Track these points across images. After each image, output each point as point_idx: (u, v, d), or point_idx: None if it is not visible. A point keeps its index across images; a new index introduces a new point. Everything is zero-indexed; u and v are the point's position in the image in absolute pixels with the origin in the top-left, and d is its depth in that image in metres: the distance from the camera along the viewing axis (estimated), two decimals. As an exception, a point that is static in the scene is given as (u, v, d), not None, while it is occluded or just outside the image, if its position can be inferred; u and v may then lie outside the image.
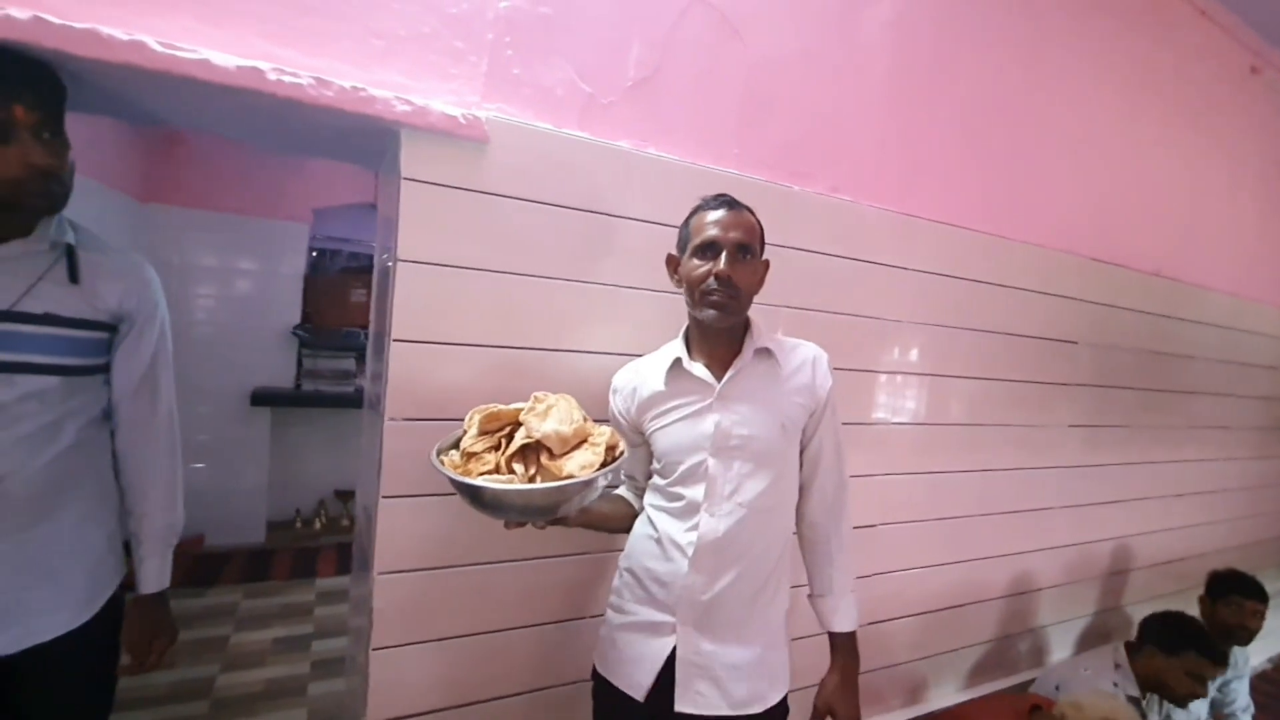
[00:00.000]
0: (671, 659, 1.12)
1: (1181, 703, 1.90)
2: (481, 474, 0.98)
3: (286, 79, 1.06)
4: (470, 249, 1.26)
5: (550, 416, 1.04)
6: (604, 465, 1.01)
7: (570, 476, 0.97)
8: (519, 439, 1.02)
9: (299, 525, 3.77)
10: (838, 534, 1.23)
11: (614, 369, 1.41)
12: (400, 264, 1.20)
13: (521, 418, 1.04)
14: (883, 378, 1.87)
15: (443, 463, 1.01)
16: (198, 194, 3.34)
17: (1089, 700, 1.57)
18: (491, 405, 1.08)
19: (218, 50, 1.04)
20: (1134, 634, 2.02)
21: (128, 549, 1.17)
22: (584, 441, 1.05)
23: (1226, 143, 2.81)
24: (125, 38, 0.98)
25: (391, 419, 1.22)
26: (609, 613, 1.24)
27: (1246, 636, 2.19)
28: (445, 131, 1.18)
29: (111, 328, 1.10)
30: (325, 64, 1.13)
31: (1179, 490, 2.85)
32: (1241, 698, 2.21)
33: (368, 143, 1.31)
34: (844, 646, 1.21)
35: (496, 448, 1.04)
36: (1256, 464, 3.27)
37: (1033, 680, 2.28)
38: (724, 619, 1.12)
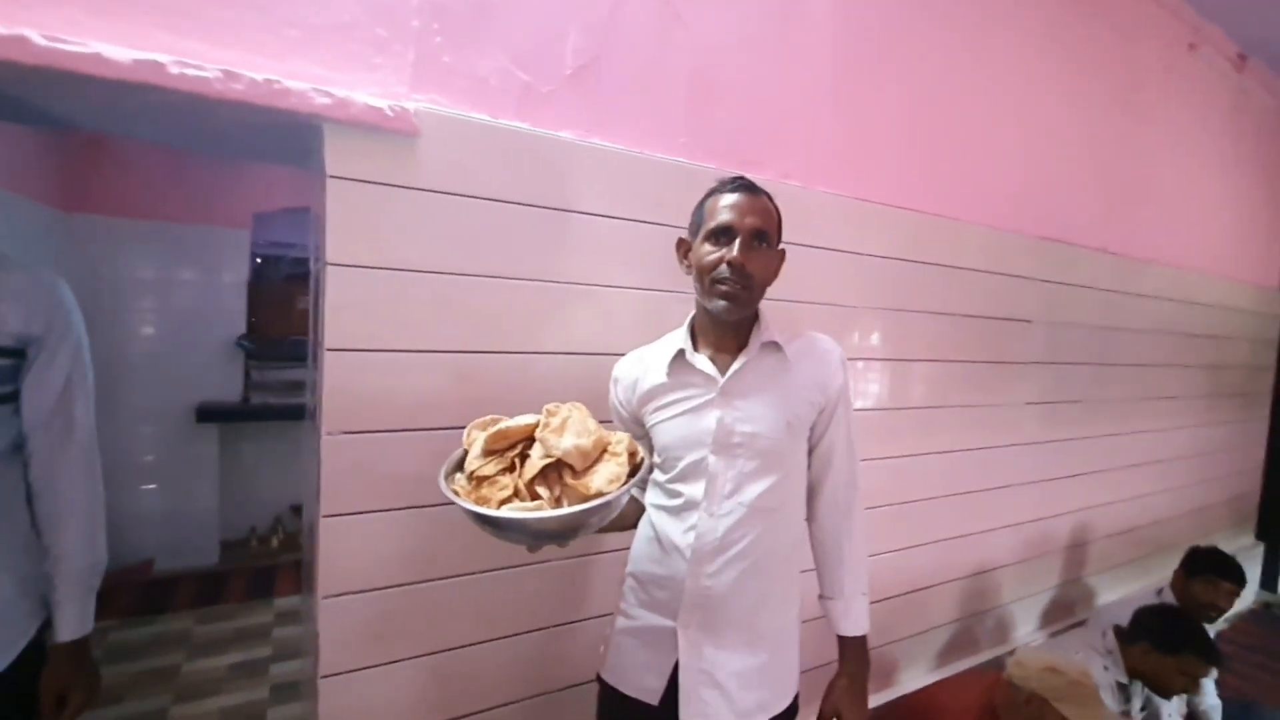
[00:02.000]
0: (676, 664, 1.08)
1: (1169, 697, 1.91)
2: (502, 500, 0.90)
3: (190, 72, 0.98)
4: (406, 249, 1.19)
5: (567, 430, 0.96)
6: (630, 474, 0.95)
7: (599, 494, 0.90)
8: (536, 459, 0.93)
9: (254, 544, 3.63)
10: (849, 535, 1.17)
11: (569, 368, 1.37)
12: (330, 268, 1.12)
13: (539, 435, 0.95)
14: (842, 365, 1.85)
15: (456, 493, 0.92)
16: (128, 202, 3.17)
17: (1030, 656, 1.61)
18: (495, 419, 1.00)
19: (112, 43, 0.95)
20: (1094, 611, 2.04)
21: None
22: (604, 452, 0.98)
23: (1166, 118, 2.87)
24: (4, 32, 0.89)
25: (329, 433, 1.15)
26: (616, 617, 1.19)
27: (1215, 616, 2.21)
28: (371, 125, 1.11)
29: (17, 352, 1.01)
30: (235, 56, 1.05)
31: (1133, 461, 2.93)
32: (1210, 696, 2.25)
33: (292, 140, 1.23)
34: (853, 650, 1.17)
35: (510, 468, 0.95)
36: (1204, 430, 3.38)
37: (1001, 655, 2.31)
38: (728, 624, 1.07)
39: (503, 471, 0.95)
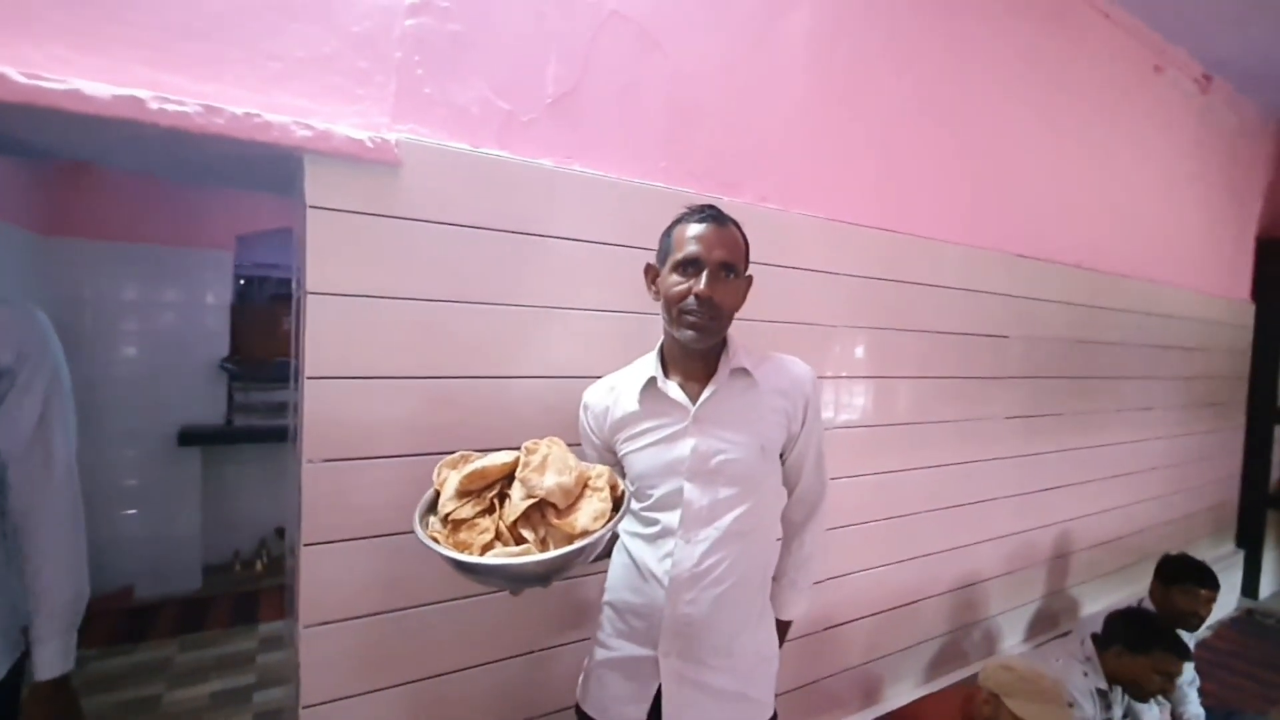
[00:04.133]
0: (658, 691, 1.09)
1: (1147, 699, 1.93)
2: (485, 546, 0.88)
3: (170, 108, 0.99)
4: (387, 277, 1.20)
5: (549, 468, 0.94)
6: (614, 508, 0.95)
7: (586, 532, 0.89)
8: (519, 500, 0.91)
9: (238, 568, 3.58)
10: (809, 532, 1.25)
11: (548, 393, 1.37)
12: (310, 296, 1.13)
13: (520, 475, 0.93)
14: (823, 384, 1.88)
15: (436, 540, 0.88)
16: (108, 225, 3.15)
17: (1017, 661, 1.66)
18: (467, 456, 0.98)
19: (91, 79, 0.96)
20: (1078, 622, 2.06)
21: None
22: (585, 487, 0.96)
23: (1135, 137, 2.95)
24: (-17, 68, 0.90)
25: (309, 460, 1.15)
26: (594, 647, 1.19)
27: (1197, 623, 2.22)
28: (352, 156, 1.12)
29: None
30: (216, 89, 1.06)
31: (1113, 472, 2.97)
32: (1193, 705, 2.27)
33: (273, 170, 1.24)
34: (778, 631, 1.24)
35: (489, 509, 0.93)
36: (1180, 441, 3.43)
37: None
38: (707, 648, 1.08)
39: (481, 514, 0.92)
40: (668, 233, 1.11)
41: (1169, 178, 3.20)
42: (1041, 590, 2.69)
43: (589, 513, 0.92)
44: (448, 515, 0.91)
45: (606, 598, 1.19)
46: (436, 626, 1.29)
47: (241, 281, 3.73)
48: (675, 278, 1.06)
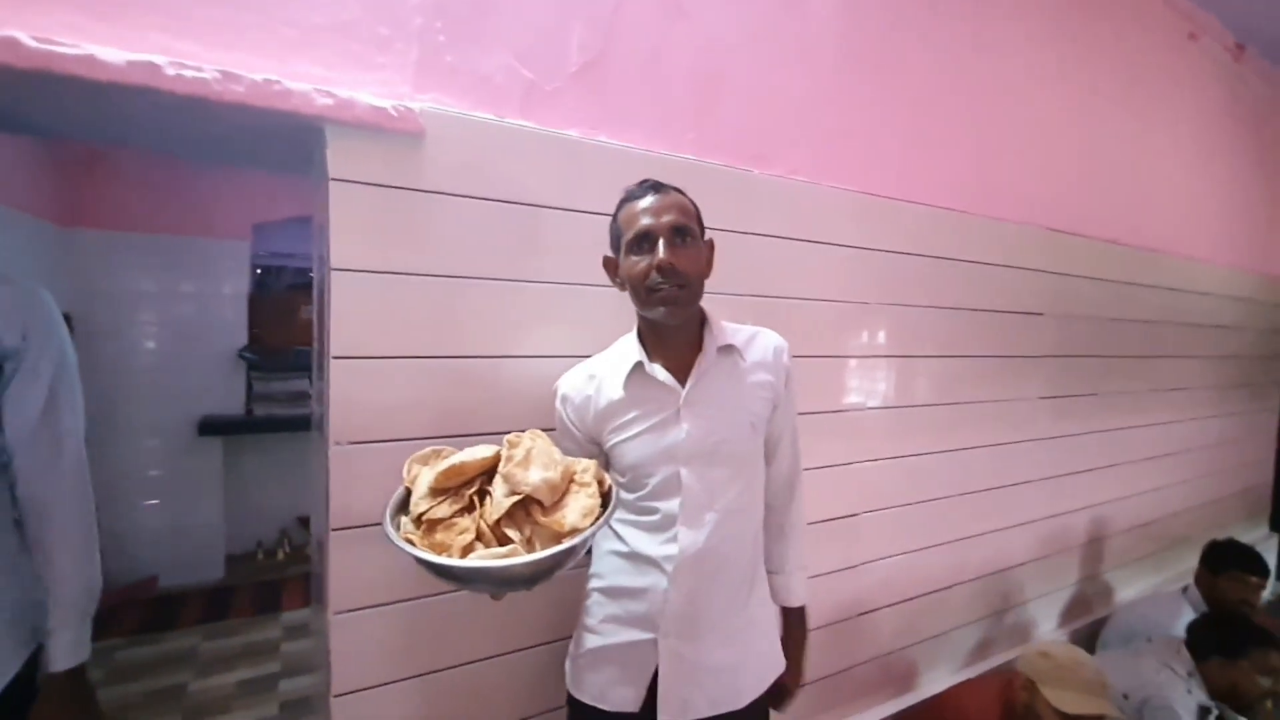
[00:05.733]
0: (655, 672, 1.07)
1: (1252, 706, 1.81)
2: (465, 547, 0.81)
3: (188, 74, 0.95)
4: (411, 253, 1.16)
5: (533, 463, 0.88)
6: (603, 504, 0.90)
7: (575, 530, 0.84)
8: (502, 497, 0.85)
9: (261, 557, 3.60)
10: (794, 512, 1.24)
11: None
12: (335, 273, 1.09)
13: (503, 471, 0.87)
14: (852, 363, 1.82)
15: (411, 542, 0.82)
16: (125, 215, 3.15)
17: (1056, 648, 1.63)
18: (440, 451, 0.92)
19: (106, 45, 0.92)
20: (1115, 608, 1.98)
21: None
22: (570, 482, 0.91)
23: (1168, 108, 2.84)
24: (-7, 35, 0.86)
25: (336, 443, 1.11)
26: (583, 635, 1.15)
27: (1248, 611, 2.12)
28: (374, 125, 1.08)
29: None
30: (233, 57, 1.02)
31: (1146, 454, 2.89)
32: None
33: (292, 144, 1.20)
34: (795, 619, 1.26)
35: (468, 508, 0.86)
36: (1215, 421, 3.34)
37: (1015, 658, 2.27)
38: (706, 624, 1.07)
39: (459, 512, 0.86)
40: (614, 218, 1.08)
41: (1202, 149, 3.09)
42: (1074, 575, 2.63)
43: (577, 509, 0.87)
44: (421, 515, 0.85)
45: (596, 584, 1.16)
46: (464, 614, 1.25)
47: (258, 271, 3.71)
48: (633, 258, 1.02)
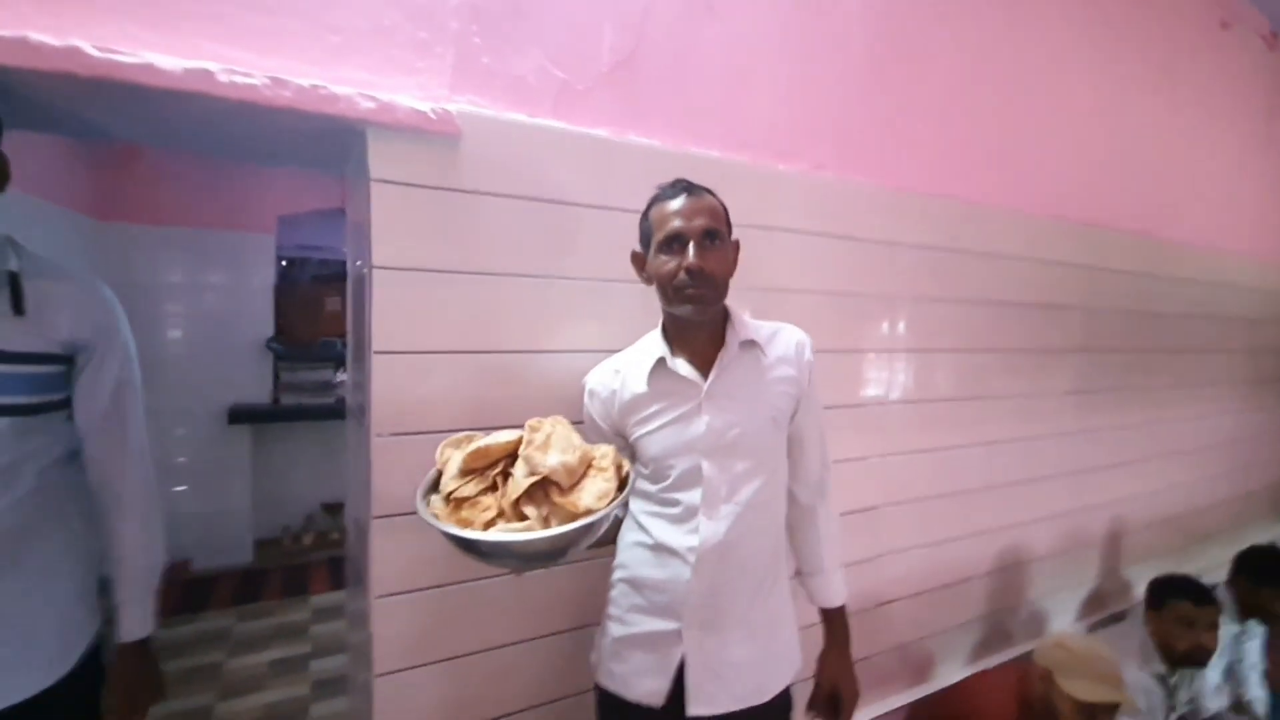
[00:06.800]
0: (682, 663, 1.09)
1: (1190, 662, 1.87)
2: (486, 523, 0.88)
3: (239, 80, 0.98)
4: (448, 251, 1.19)
5: (552, 446, 0.93)
6: (619, 488, 0.94)
7: (589, 511, 0.88)
8: (521, 478, 0.90)
9: (288, 542, 3.69)
10: (825, 511, 1.24)
11: (602, 366, 1.36)
12: (376, 271, 1.13)
13: (523, 453, 0.93)
14: (877, 356, 1.84)
15: (437, 516, 0.89)
16: (157, 209, 3.23)
17: (1072, 639, 1.65)
18: (471, 436, 0.98)
19: (162, 53, 0.96)
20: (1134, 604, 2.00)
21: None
22: (589, 467, 0.96)
23: (1200, 98, 2.80)
24: (58, 44, 0.90)
25: (378, 434, 1.16)
26: (608, 624, 1.19)
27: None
28: (414, 128, 1.11)
29: (67, 359, 1.03)
30: (280, 63, 1.06)
31: (1172, 449, 2.87)
32: (1254, 688, 2.15)
33: (330, 146, 1.24)
34: (838, 620, 1.25)
35: (492, 488, 0.93)
36: (1244, 416, 3.31)
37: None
38: (730, 617, 1.09)
39: (484, 492, 0.92)
40: (645, 215, 1.11)
41: (1235, 139, 3.04)
42: (1095, 570, 2.63)
43: (593, 492, 0.92)
44: (450, 494, 0.91)
45: (621, 575, 1.19)
46: (500, 598, 1.30)
47: (283, 263, 3.78)
48: (662, 257, 1.05)
